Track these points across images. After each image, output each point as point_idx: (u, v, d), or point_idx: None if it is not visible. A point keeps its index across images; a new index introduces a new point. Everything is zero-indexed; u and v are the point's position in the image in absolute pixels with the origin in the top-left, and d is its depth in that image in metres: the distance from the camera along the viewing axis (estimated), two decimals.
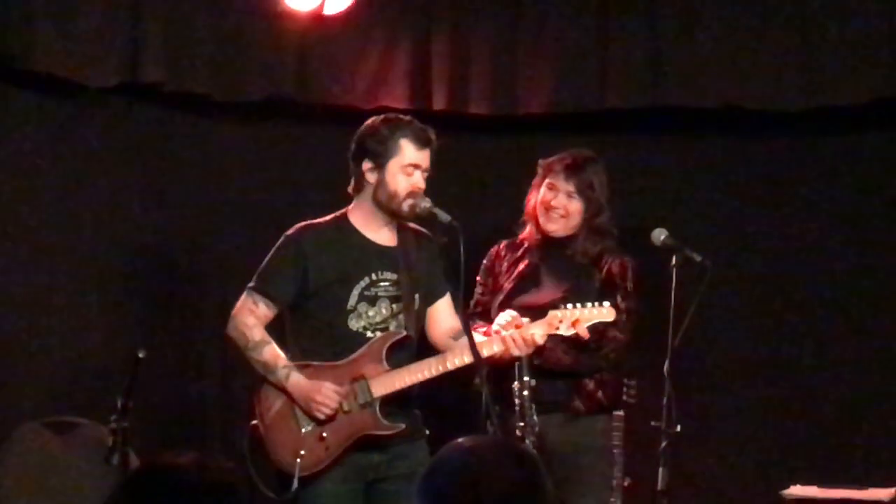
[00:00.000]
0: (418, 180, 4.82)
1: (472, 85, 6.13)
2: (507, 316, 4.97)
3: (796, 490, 5.51)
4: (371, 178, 4.84)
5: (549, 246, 5.35)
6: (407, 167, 4.81)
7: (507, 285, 5.32)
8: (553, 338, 5.00)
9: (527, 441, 4.79)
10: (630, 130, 6.26)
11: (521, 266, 5.35)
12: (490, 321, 5.15)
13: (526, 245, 5.39)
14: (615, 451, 5.31)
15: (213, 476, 2.47)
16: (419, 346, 4.94)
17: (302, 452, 4.73)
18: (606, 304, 5.02)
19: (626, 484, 5.34)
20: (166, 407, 5.97)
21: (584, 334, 4.99)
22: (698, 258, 5.23)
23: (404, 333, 4.84)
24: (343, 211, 4.95)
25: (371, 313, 4.83)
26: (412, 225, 4.95)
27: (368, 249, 4.88)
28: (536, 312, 5.01)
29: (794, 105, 5.96)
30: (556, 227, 5.32)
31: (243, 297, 4.90)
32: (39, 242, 5.69)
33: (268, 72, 6.02)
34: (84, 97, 5.72)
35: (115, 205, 5.91)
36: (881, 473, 5.62)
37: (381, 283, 4.85)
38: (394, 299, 4.86)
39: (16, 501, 5.26)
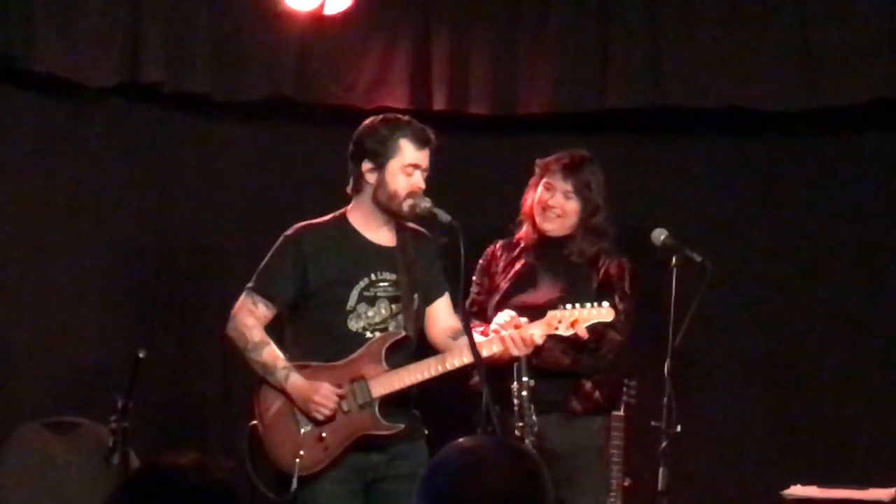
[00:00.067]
0: (418, 180, 4.82)
1: (472, 85, 6.13)
2: (505, 316, 4.97)
3: (796, 490, 5.51)
4: (371, 178, 4.84)
5: (545, 246, 5.35)
6: (407, 167, 4.81)
7: (504, 285, 5.32)
8: (551, 338, 5.00)
9: (526, 441, 4.79)
10: (630, 130, 6.26)
11: (518, 266, 5.35)
12: (486, 321, 5.16)
13: (522, 245, 5.39)
14: (615, 451, 5.31)
15: (214, 476, 2.47)
16: (418, 346, 4.94)
17: (301, 453, 4.73)
18: (605, 304, 5.02)
19: (626, 484, 5.34)
20: (166, 407, 5.97)
21: (583, 334, 4.99)
22: (698, 258, 5.24)
23: (403, 334, 4.84)
24: (342, 211, 4.94)
25: (370, 314, 4.83)
26: (411, 225, 4.95)
27: (368, 250, 4.87)
28: (534, 312, 5.01)
29: (794, 105, 5.96)
30: (553, 227, 5.32)
31: (242, 297, 4.90)
32: (39, 242, 5.69)
33: (268, 72, 6.02)
34: (84, 97, 5.73)
35: (115, 205, 5.92)
36: (881, 473, 5.61)
37: (381, 284, 4.85)
38: (393, 299, 4.85)
39: (16, 501, 5.26)
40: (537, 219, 5.33)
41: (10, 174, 5.62)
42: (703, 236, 5.90)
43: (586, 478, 5.28)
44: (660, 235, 5.31)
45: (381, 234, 4.90)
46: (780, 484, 5.57)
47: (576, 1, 6.10)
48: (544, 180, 5.34)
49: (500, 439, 3.45)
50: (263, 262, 4.90)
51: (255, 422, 4.83)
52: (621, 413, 5.35)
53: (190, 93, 5.90)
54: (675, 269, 5.20)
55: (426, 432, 4.91)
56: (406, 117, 4.94)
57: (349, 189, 4.92)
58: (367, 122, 4.91)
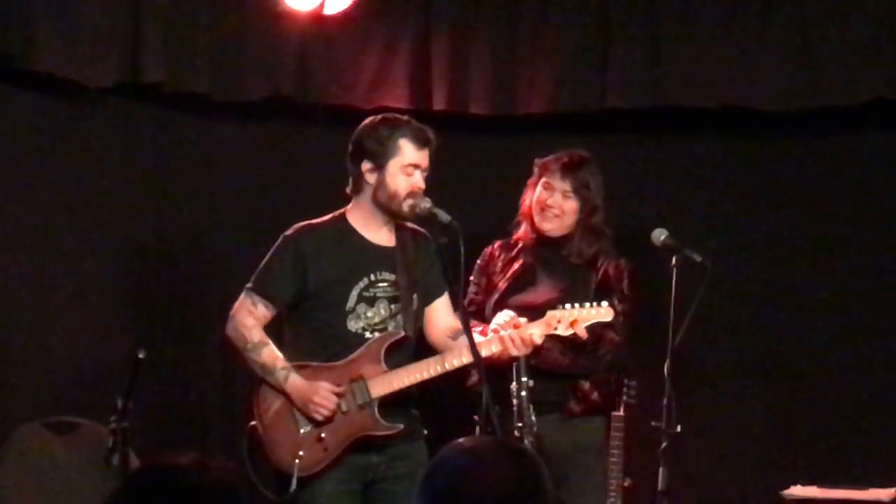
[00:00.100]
0: (418, 180, 4.82)
1: (472, 85, 6.13)
2: (505, 316, 4.97)
3: (796, 490, 5.51)
4: (370, 178, 4.84)
5: (544, 246, 5.35)
6: (407, 167, 4.81)
7: (502, 285, 5.32)
8: (550, 339, 5.00)
9: (525, 441, 4.78)
10: (630, 130, 6.26)
11: (516, 266, 5.35)
12: (484, 321, 5.16)
13: (521, 245, 5.39)
14: (615, 451, 5.31)
15: (214, 476, 2.47)
16: (417, 346, 4.94)
17: (301, 453, 4.73)
18: (605, 303, 5.02)
19: (626, 484, 5.34)
20: (166, 407, 5.97)
21: (583, 334, 4.99)
22: (698, 258, 5.24)
23: (402, 334, 4.84)
24: (341, 211, 4.94)
25: (370, 314, 4.83)
26: (410, 225, 4.95)
27: (367, 250, 4.87)
28: (532, 312, 5.01)
29: (794, 105, 5.96)
30: (552, 227, 5.32)
31: (242, 297, 4.90)
32: (39, 242, 5.69)
33: (268, 72, 6.02)
34: (84, 97, 5.72)
35: (115, 205, 5.91)
36: (881, 473, 5.61)
37: (380, 284, 4.85)
38: (392, 300, 4.85)
39: (16, 501, 5.26)
40: (536, 218, 5.34)
41: (10, 174, 5.62)
42: (703, 236, 5.90)
43: (585, 478, 5.28)
44: (660, 235, 5.32)
45: (381, 235, 4.90)
46: (780, 484, 5.57)
47: (576, 1, 6.10)
48: (543, 180, 5.35)
49: (499, 439, 3.45)
50: (263, 263, 4.90)
51: (254, 422, 4.83)
52: (621, 413, 5.35)
53: (190, 93, 5.89)
54: (675, 269, 5.21)
55: (425, 432, 4.91)
56: (405, 117, 4.94)
57: (348, 189, 4.92)
58: (367, 122, 4.91)
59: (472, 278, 5.36)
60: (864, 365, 6.11)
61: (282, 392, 4.80)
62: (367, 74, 6.10)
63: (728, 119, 6.09)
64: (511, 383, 4.89)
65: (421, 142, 4.83)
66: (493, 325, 4.96)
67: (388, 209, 4.85)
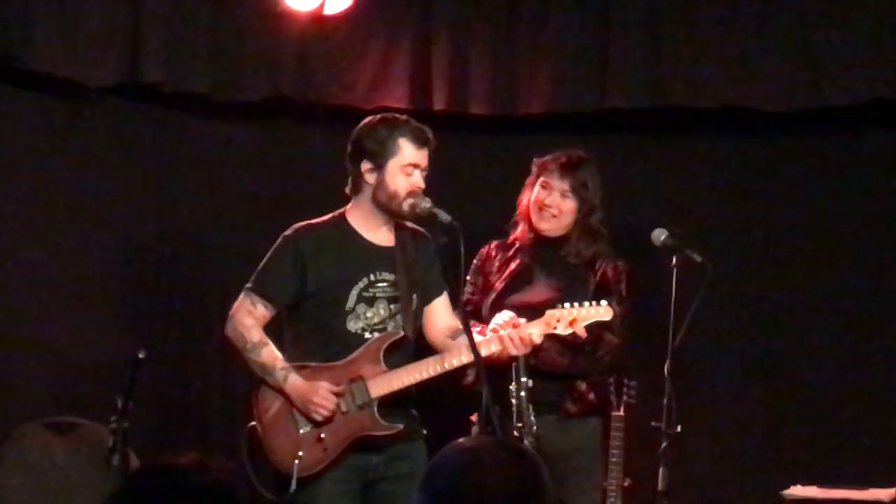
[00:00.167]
0: (418, 180, 4.82)
1: (472, 85, 6.13)
2: (504, 316, 4.97)
3: (796, 490, 5.51)
4: (370, 178, 4.84)
5: (541, 245, 5.35)
6: (406, 167, 4.81)
7: (499, 284, 5.32)
8: (549, 339, 5.00)
9: (525, 442, 4.78)
10: (630, 130, 6.26)
11: (513, 265, 5.35)
12: (481, 320, 5.16)
13: (518, 245, 5.40)
14: (615, 451, 5.31)
15: (214, 477, 2.47)
16: (417, 345, 4.94)
17: (300, 453, 4.73)
18: (604, 303, 5.02)
19: (626, 484, 5.34)
20: (166, 407, 5.97)
21: (582, 334, 4.99)
22: (698, 258, 5.24)
23: (401, 334, 4.84)
24: (341, 211, 4.94)
25: (369, 314, 4.83)
26: (409, 225, 4.95)
27: (367, 250, 4.87)
28: (530, 311, 5.01)
29: (794, 105, 5.96)
30: (549, 227, 5.32)
31: (241, 297, 4.89)
32: (39, 242, 5.69)
33: (268, 72, 6.02)
34: (84, 97, 5.72)
35: (114, 205, 5.92)
36: (881, 473, 5.61)
37: (380, 284, 4.85)
38: (391, 300, 4.85)
39: (16, 501, 5.26)
40: (533, 218, 5.34)
41: (10, 174, 5.62)
42: (703, 236, 5.90)
43: (582, 479, 5.28)
44: (660, 235, 5.32)
45: (381, 235, 4.90)
46: (780, 484, 5.57)
47: (576, 1, 6.10)
48: (541, 179, 5.35)
49: (499, 439, 3.45)
50: (262, 263, 4.90)
51: (254, 422, 4.83)
52: (621, 413, 5.35)
53: (190, 93, 5.90)
54: (675, 269, 5.20)
55: (425, 432, 4.91)
56: (404, 117, 4.94)
57: (348, 189, 4.92)
58: (365, 122, 4.91)
59: (468, 278, 5.35)
60: (863, 365, 6.11)
61: (281, 392, 4.79)
62: (367, 74, 6.10)
63: (728, 119, 6.09)
64: (510, 383, 4.89)
65: (420, 141, 4.83)
66: (492, 325, 4.96)
67: (388, 209, 4.85)
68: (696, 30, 5.99)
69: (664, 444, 5.09)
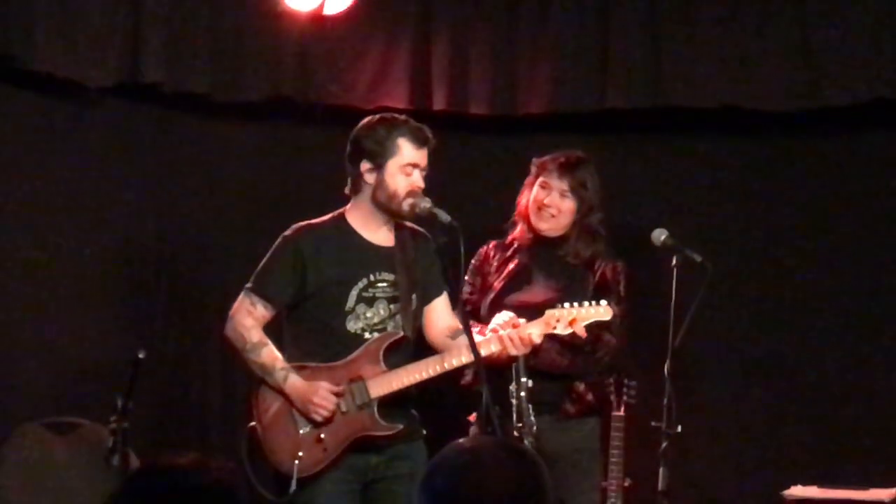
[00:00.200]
0: (417, 179, 4.82)
1: (472, 85, 6.13)
2: (504, 316, 4.96)
3: (796, 490, 5.51)
4: (369, 178, 4.84)
5: (540, 245, 5.36)
6: (406, 167, 4.81)
7: (497, 284, 5.32)
8: (548, 340, 5.00)
9: (525, 442, 4.78)
10: (630, 130, 6.25)
11: (511, 265, 5.36)
12: (479, 320, 5.16)
13: (516, 245, 5.40)
14: (615, 451, 5.31)
15: (213, 477, 2.47)
16: (417, 345, 4.94)
17: (300, 454, 4.73)
18: (604, 302, 5.01)
19: (626, 484, 5.34)
20: (166, 407, 5.97)
21: (582, 333, 4.99)
22: (698, 259, 5.24)
23: (401, 334, 4.84)
24: (340, 211, 4.94)
25: (369, 314, 4.83)
26: (409, 224, 4.95)
27: (367, 250, 4.87)
28: (529, 311, 5.01)
29: (794, 105, 5.96)
30: (548, 227, 5.32)
31: (241, 297, 4.89)
32: (39, 242, 5.69)
33: (268, 72, 6.02)
34: (84, 97, 5.72)
35: (114, 205, 5.91)
36: (881, 473, 5.61)
37: (379, 284, 4.85)
38: (391, 300, 4.85)
39: (16, 501, 5.26)
40: (532, 218, 5.34)
41: (10, 174, 5.62)
42: (703, 236, 5.90)
43: (580, 479, 5.29)
44: (660, 235, 5.32)
45: (380, 235, 4.90)
46: (780, 484, 5.57)
47: (576, 1, 6.10)
48: (540, 179, 5.35)
49: (499, 439, 3.45)
50: (262, 263, 4.90)
51: (254, 423, 4.83)
52: (621, 413, 5.35)
53: (190, 93, 5.90)
54: (675, 270, 5.20)
55: (424, 432, 4.90)
56: (403, 116, 4.94)
57: (347, 189, 4.92)
58: (364, 122, 4.91)
59: (466, 278, 5.35)
60: (863, 365, 6.11)
61: (281, 393, 4.79)
62: (367, 74, 6.10)
63: (728, 119, 6.09)
64: (509, 383, 4.88)
65: (419, 141, 4.83)
66: (492, 325, 4.96)
67: (388, 209, 4.84)
68: (696, 30, 5.99)
69: (664, 444, 5.09)
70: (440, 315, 4.98)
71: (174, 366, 6.01)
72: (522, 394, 4.85)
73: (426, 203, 4.78)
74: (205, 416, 6.13)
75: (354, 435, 4.77)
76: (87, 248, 5.80)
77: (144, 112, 5.98)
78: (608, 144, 6.09)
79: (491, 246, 5.44)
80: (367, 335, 4.82)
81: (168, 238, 6.10)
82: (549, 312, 4.94)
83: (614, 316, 5.07)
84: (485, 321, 5.10)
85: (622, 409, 5.36)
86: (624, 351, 5.35)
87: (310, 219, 4.94)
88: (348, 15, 5.95)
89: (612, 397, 5.37)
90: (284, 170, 6.28)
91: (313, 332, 4.87)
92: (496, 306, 5.17)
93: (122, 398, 4.65)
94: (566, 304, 4.96)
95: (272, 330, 4.90)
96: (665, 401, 5.07)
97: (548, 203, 5.31)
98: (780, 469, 5.96)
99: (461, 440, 2.55)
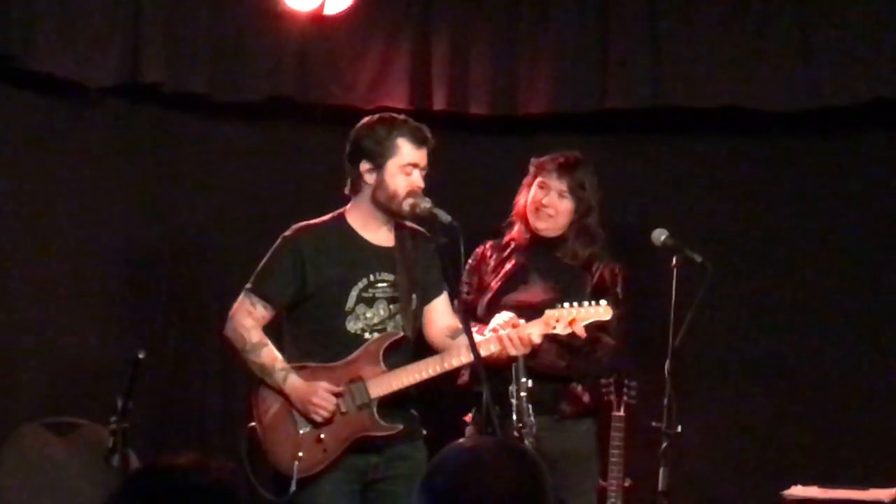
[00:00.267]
0: (417, 179, 4.82)
1: (472, 85, 6.13)
2: (504, 316, 4.96)
3: (796, 490, 5.51)
4: (369, 178, 4.84)
5: (537, 246, 5.36)
6: (406, 167, 4.81)
7: (494, 284, 5.32)
8: (547, 340, 4.99)
9: (525, 442, 4.78)
10: (630, 130, 6.26)
11: (508, 266, 5.35)
12: (476, 320, 5.16)
13: (513, 245, 5.40)
14: (615, 451, 5.31)
15: (214, 476, 2.47)
16: (416, 345, 4.94)
17: (300, 454, 4.73)
18: (603, 302, 5.01)
19: (626, 484, 5.34)
20: (166, 407, 5.97)
21: (581, 333, 4.99)
22: (698, 259, 5.24)
23: (401, 334, 4.84)
24: (340, 211, 4.94)
25: (369, 315, 4.83)
26: (409, 224, 4.95)
27: (366, 250, 4.87)
28: (527, 311, 5.01)
29: (794, 105, 5.96)
30: (546, 227, 5.32)
31: (241, 298, 4.89)
32: (39, 242, 5.69)
33: (268, 72, 6.02)
34: (84, 97, 5.72)
35: (114, 204, 5.91)
36: (881, 473, 5.61)
37: (379, 285, 4.85)
38: (391, 300, 4.85)
39: (16, 501, 5.26)
40: (530, 218, 5.34)
41: (10, 174, 5.62)
42: (703, 236, 5.90)
43: (577, 480, 5.28)
44: (660, 236, 5.32)
45: (380, 235, 4.90)
46: (780, 484, 5.57)
47: (576, 1, 6.10)
48: (539, 179, 5.35)
49: (500, 439, 3.45)
50: (262, 263, 4.90)
51: (253, 423, 4.82)
52: (621, 413, 5.35)
53: (190, 93, 5.90)
54: (675, 270, 5.20)
55: (424, 433, 4.90)
56: (402, 116, 4.94)
57: (347, 190, 4.92)
58: (364, 122, 4.91)
59: (463, 278, 5.35)
60: (864, 365, 6.11)
61: (281, 393, 4.79)
62: (367, 74, 6.10)
63: (728, 119, 6.09)
64: (508, 384, 4.88)
65: (419, 141, 4.83)
66: (491, 325, 4.95)
67: (388, 209, 4.84)
68: (696, 30, 5.99)
69: (664, 444, 5.09)
70: (440, 315, 4.98)
71: (174, 366, 6.01)
72: (522, 394, 4.84)
73: (426, 203, 4.78)
74: (204, 416, 6.13)
75: (354, 435, 4.77)
76: (87, 248, 5.80)
77: (144, 112, 5.98)
78: (608, 144, 6.09)
79: (487, 246, 5.44)
80: (366, 335, 4.82)
81: (168, 238, 6.10)
82: (548, 312, 4.94)
83: (613, 318, 5.07)
84: (481, 321, 5.10)
85: (622, 409, 5.36)
86: (621, 352, 5.34)
87: (310, 219, 4.94)
88: (348, 15, 5.95)
89: (613, 397, 5.37)
90: (284, 170, 6.28)
91: (313, 333, 4.87)
92: (493, 306, 5.17)
93: (122, 398, 4.65)
94: (566, 304, 4.96)
95: (272, 330, 4.90)
96: (665, 401, 5.07)
97: (546, 203, 5.31)
98: (780, 469, 5.96)
99: (461, 440, 2.55)
